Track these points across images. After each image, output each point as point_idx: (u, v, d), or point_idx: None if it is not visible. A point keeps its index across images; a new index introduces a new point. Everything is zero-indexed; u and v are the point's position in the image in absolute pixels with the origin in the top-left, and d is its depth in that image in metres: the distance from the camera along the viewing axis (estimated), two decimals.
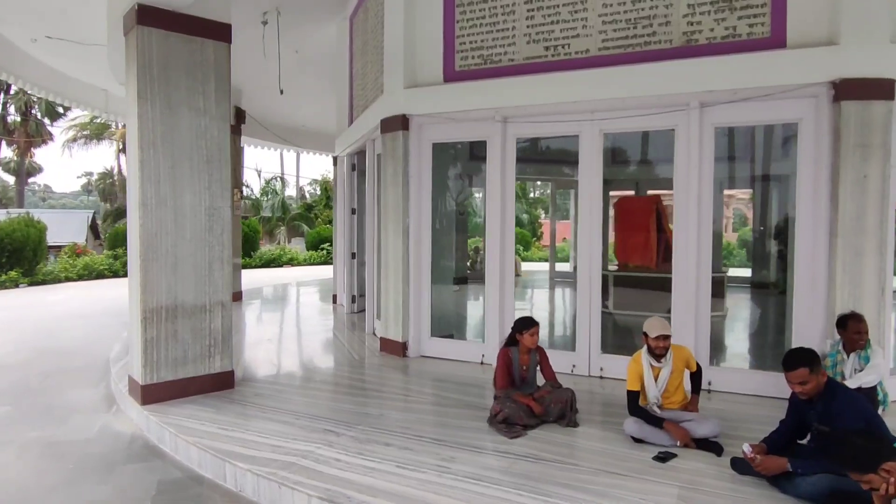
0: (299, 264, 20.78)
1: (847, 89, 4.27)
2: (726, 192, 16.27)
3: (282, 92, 8.01)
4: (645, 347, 3.82)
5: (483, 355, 5.67)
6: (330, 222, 30.86)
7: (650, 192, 10.82)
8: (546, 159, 12.24)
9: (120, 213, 27.81)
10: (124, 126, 31.39)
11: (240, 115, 9.90)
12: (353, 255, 8.76)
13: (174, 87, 4.43)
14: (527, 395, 4.04)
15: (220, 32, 4.65)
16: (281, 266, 20.16)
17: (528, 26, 5.45)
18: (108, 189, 47.88)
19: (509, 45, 5.56)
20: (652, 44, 4.98)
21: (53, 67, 8.56)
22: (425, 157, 5.92)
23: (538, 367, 4.20)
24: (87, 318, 9.13)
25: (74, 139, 29.43)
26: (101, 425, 4.37)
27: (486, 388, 4.87)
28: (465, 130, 5.78)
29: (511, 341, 4.19)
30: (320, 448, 3.49)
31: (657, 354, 3.73)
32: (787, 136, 6.04)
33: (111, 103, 9.87)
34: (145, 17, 4.29)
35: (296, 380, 5.18)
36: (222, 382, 4.72)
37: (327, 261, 21.79)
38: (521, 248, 20.08)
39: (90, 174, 52.63)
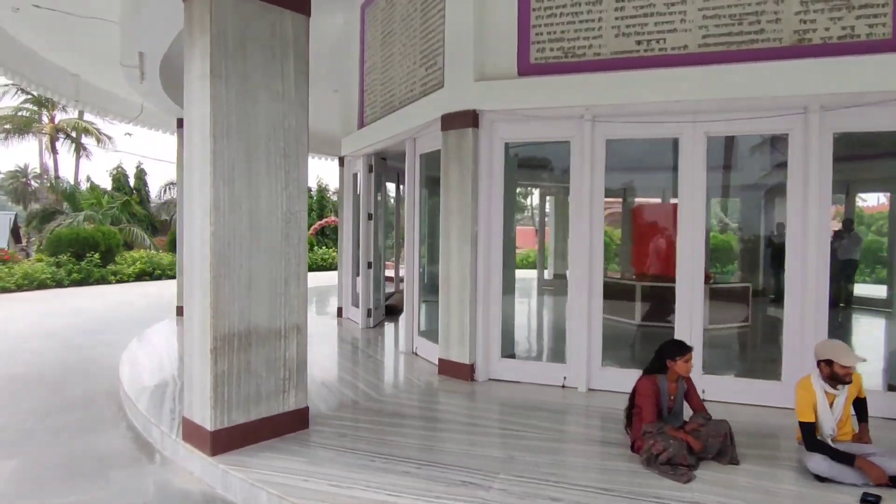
0: None
1: None
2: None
3: (336, 91, 7.16)
4: (816, 373, 3.42)
5: (565, 378, 5.14)
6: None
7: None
8: (533, 165, 11.99)
9: (48, 216, 25.16)
10: (52, 121, 28.73)
11: None
12: (370, 265, 8.01)
13: (252, 65, 3.64)
14: (677, 428, 3.55)
15: (300, 2, 3.89)
16: None
17: (617, 18, 4.99)
18: (21, 189, 43.74)
19: (595, 37, 5.09)
20: (759, 42, 4.65)
21: (25, 44, 7.27)
22: (497, 157, 5.34)
23: (685, 397, 3.72)
24: (54, 338, 7.84)
25: None
26: (155, 483, 3.49)
27: (595, 417, 4.35)
28: (545, 129, 5.25)
29: (657, 367, 3.69)
30: None
31: (839, 381, 3.34)
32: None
33: (82, 91, 8.60)
34: None
35: (369, 412, 4.44)
36: (297, 422, 3.93)
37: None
38: None
39: None
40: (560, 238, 11.94)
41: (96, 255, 14.58)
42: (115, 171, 28.86)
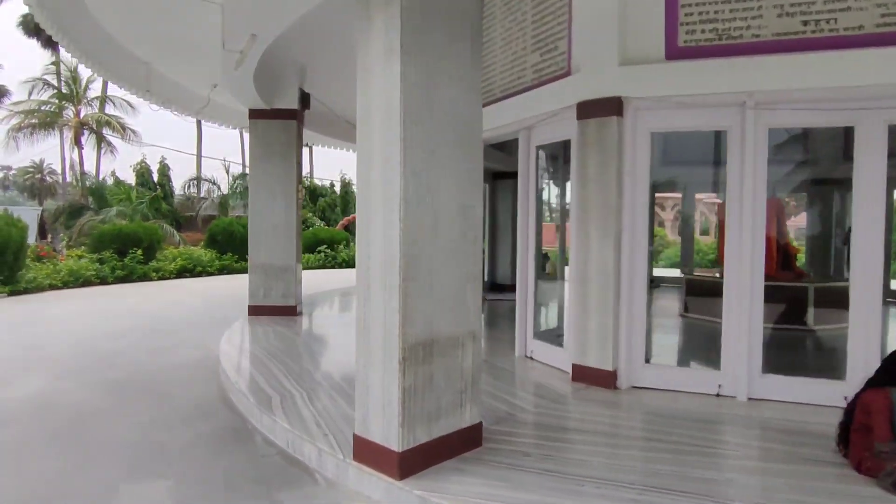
0: None
1: None
2: None
3: None
4: None
5: (720, 386, 4.74)
6: (303, 223, 29.17)
7: None
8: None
9: (75, 211, 24.90)
10: (77, 115, 28.46)
11: (304, 100, 8.51)
12: None
13: (434, 43, 3.24)
14: None
15: None
16: None
17: None
18: (37, 185, 43.58)
19: (753, 17, 4.66)
20: None
21: (107, 30, 6.88)
22: (642, 148, 4.92)
23: None
24: (128, 339, 7.50)
25: (19, 128, 26.15)
26: None
27: (778, 430, 3.95)
28: (698, 118, 4.83)
29: (887, 380, 3.29)
30: None
31: None
32: None
33: (154, 81, 8.23)
34: None
35: (533, 427, 4.05)
36: (472, 439, 3.55)
37: (325, 265, 20.26)
38: None
39: (7, 168, 47.80)
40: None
41: (139, 252, 14.26)
42: (138, 166, 28.63)
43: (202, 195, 27.80)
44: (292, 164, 8.41)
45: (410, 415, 3.17)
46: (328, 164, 69.36)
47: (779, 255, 8.56)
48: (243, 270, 17.22)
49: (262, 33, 5.16)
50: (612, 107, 4.86)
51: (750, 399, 4.62)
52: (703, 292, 7.82)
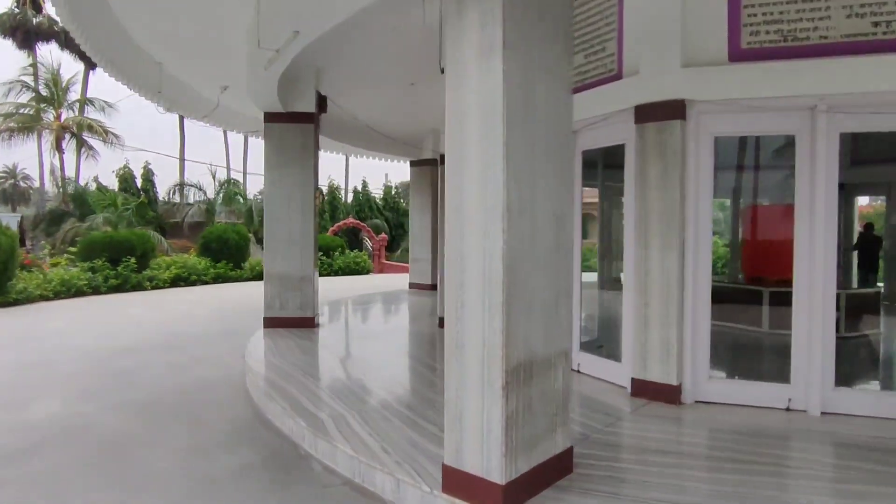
0: None
1: None
2: None
3: (443, 71, 6.45)
4: None
5: (790, 400, 4.56)
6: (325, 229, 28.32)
7: None
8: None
9: (56, 218, 24.03)
10: (57, 118, 27.54)
11: (321, 103, 8.19)
12: None
13: (535, 38, 3.00)
14: None
15: None
16: None
17: None
18: (9, 190, 42.13)
19: (820, 19, 4.52)
20: None
21: (122, 24, 6.45)
22: (705, 153, 4.74)
23: None
24: (139, 355, 7.08)
25: None
26: None
27: (870, 449, 3.77)
28: (764, 122, 4.66)
29: None
30: None
31: None
32: None
33: (165, 83, 7.82)
34: None
35: (613, 449, 3.80)
36: (564, 466, 3.29)
37: (322, 273, 19.79)
38: None
39: None
40: None
41: (132, 260, 13.71)
42: (121, 171, 27.81)
43: (189, 201, 27.08)
44: (310, 170, 8.08)
45: (513, 443, 2.90)
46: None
47: None
48: (238, 279, 16.79)
49: (305, 30, 4.86)
50: (675, 110, 4.68)
51: (823, 413, 4.45)
52: (729, 300, 7.66)
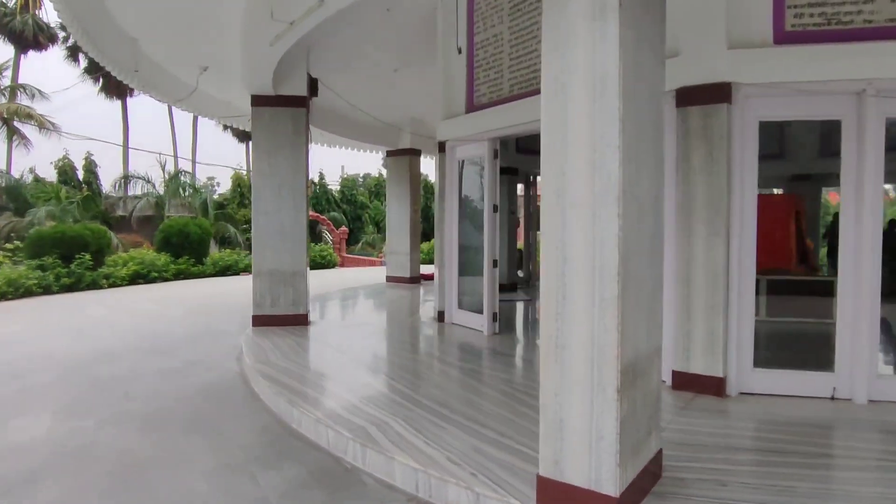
0: None
1: None
2: None
3: (460, 51, 6.11)
4: None
5: (834, 388, 4.51)
6: (247, 222, 27.48)
7: None
8: None
9: None
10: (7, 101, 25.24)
11: (313, 86, 7.67)
12: (496, 263, 7.10)
13: (639, 0, 2.72)
14: None
15: None
16: (237, 274, 17.13)
17: None
18: None
19: (864, 2, 4.45)
20: None
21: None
22: (750, 138, 4.60)
23: None
24: (122, 362, 6.42)
25: None
26: None
27: None
28: (809, 106, 4.57)
29: None
30: None
31: None
32: None
33: (141, 63, 7.07)
34: None
35: (691, 447, 3.62)
36: (656, 471, 3.07)
37: None
38: None
39: None
40: None
41: (87, 257, 12.66)
42: (60, 163, 25.92)
43: (137, 193, 25.52)
44: (302, 157, 7.56)
45: (626, 451, 2.64)
46: None
47: (798, 251, 8.69)
48: (201, 275, 15.91)
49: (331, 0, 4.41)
50: (721, 93, 4.52)
51: (870, 401, 4.42)
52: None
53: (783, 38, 4.56)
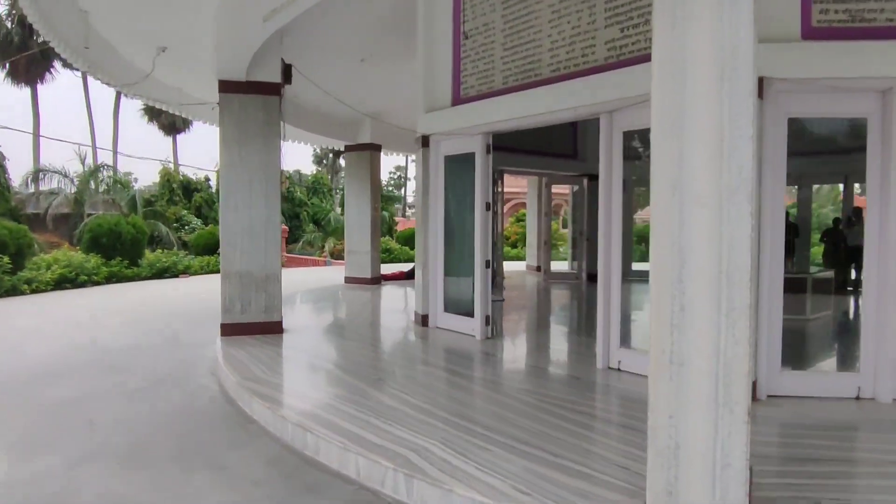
0: (195, 273, 16.55)
1: None
2: None
3: (466, 36, 5.66)
4: None
5: (859, 388, 4.50)
6: (178, 220, 25.83)
7: None
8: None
9: None
10: None
11: (287, 72, 7.01)
12: (488, 264, 6.76)
13: None
14: None
15: None
16: (176, 276, 15.84)
17: None
18: None
19: (887, 0, 4.47)
20: None
21: None
22: (779, 134, 4.51)
23: None
24: (65, 379, 5.55)
25: None
26: None
27: None
28: (837, 104, 4.53)
29: None
30: None
31: None
32: None
33: (94, 41, 6.13)
34: None
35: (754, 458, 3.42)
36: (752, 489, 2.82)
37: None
38: None
39: None
40: None
41: (6, 259, 11.20)
42: None
43: (53, 188, 23.28)
44: (274, 150, 6.90)
45: (751, 477, 2.36)
46: (196, 154, 62.08)
47: (787, 248, 8.91)
48: (136, 277, 14.64)
49: None
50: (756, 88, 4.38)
51: (894, 400, 4.44)
52: None
53: (810, 33, 4.49)
